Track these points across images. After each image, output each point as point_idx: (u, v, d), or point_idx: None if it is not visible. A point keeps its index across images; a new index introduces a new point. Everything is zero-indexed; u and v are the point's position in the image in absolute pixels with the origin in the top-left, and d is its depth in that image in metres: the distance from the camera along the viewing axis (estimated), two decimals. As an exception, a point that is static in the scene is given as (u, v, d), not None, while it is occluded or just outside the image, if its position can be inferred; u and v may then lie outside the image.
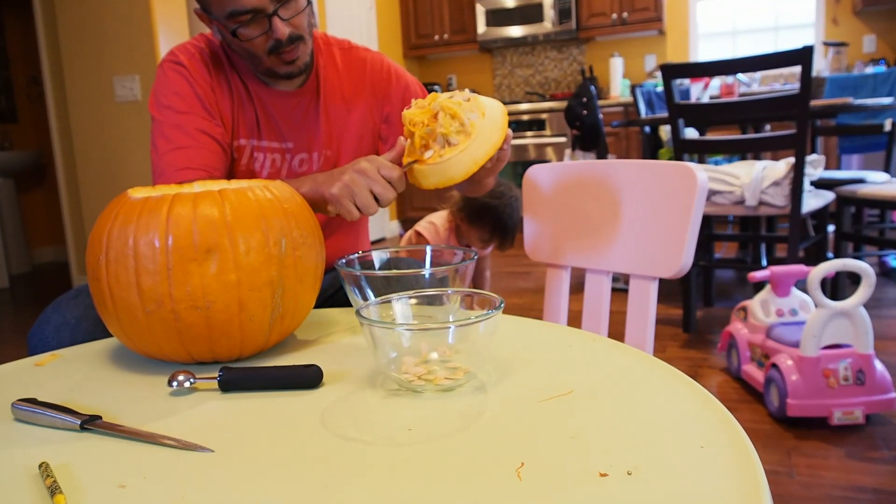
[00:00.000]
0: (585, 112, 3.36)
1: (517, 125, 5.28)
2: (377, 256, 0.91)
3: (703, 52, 5.46)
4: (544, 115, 5.22)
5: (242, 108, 1.14)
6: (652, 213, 1.00)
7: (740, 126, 3.42)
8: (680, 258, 0.95)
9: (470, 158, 0.84)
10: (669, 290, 3.18)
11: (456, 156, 0.83)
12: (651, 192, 1.00)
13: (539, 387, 0.63)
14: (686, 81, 4.13)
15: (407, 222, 5.54)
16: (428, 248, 0.92)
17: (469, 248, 0.88)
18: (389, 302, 0.71)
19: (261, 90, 1.15)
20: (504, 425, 0.55)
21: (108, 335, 0.91)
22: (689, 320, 2.62)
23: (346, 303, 0.91)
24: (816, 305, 1.75)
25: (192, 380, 0.66)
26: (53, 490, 0.47)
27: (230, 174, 1.16)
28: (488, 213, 2.30)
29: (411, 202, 5.58)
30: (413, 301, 0.72)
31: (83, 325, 0.96)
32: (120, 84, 3.51)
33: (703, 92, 3.78)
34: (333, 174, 0.95)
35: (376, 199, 0.90)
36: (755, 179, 2.39)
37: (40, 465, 0.51)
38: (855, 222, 3.13)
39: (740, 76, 4.27)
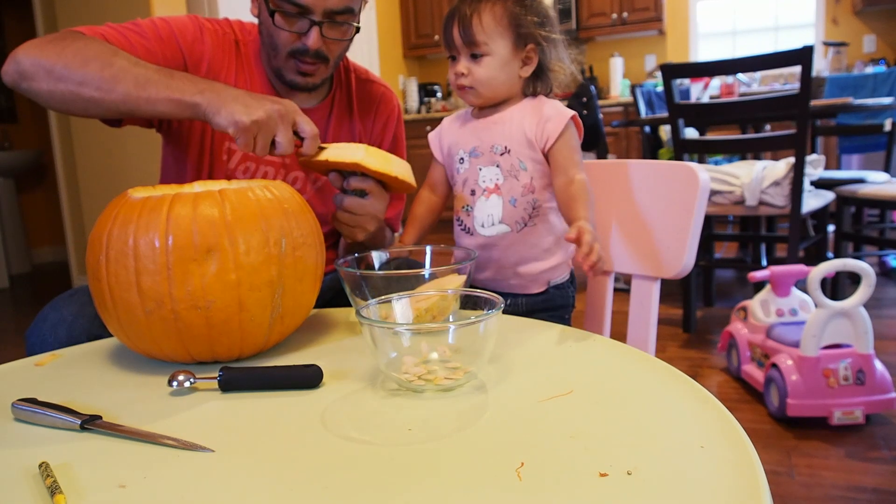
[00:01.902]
0: (585, 112, 3.36)
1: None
2: (377, 256, 0.91)
3: (703, 52, 5.46)
4: (544, 115, 5.21)
5: None
6: (653, 213, 1.00)
7: (740, 126, 3.42)
8: (682, 258, 0.95)
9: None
10: (670, 290, 3.18)
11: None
12: (652, 193, 1.00)
13: (539, 387, 0.63)
14: (686, 81, 4.13)
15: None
16: (428, 249, 0.92)
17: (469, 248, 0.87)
18: (389, 302, 0.71)
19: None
20: (504, 425, 0.55)
21: (105, 331, 0.91)
22: (689, 320, 2.62)
23: (346, 303, 0.91)
24: (816, 305, 1.75)
25: (192, 380, 0.66)
26: (53, 490, 0.47)
27: (209, 170, 1.13)
28: None
29: (411, 203, 5.58)
30: (413, 301, 0.72)
31: (80, 322, 0.96)
32: (120, 84, 3.51)
33: (703, 92, 3.78)
34: (240, 96, 0.88)
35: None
36: (755, 179, 2.38)
37: (40, 465, 0.51)
38: (855, 222, 3.13)
39: (740, 76, 4.27)
